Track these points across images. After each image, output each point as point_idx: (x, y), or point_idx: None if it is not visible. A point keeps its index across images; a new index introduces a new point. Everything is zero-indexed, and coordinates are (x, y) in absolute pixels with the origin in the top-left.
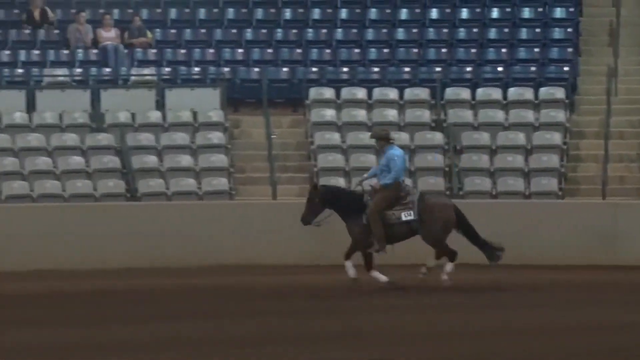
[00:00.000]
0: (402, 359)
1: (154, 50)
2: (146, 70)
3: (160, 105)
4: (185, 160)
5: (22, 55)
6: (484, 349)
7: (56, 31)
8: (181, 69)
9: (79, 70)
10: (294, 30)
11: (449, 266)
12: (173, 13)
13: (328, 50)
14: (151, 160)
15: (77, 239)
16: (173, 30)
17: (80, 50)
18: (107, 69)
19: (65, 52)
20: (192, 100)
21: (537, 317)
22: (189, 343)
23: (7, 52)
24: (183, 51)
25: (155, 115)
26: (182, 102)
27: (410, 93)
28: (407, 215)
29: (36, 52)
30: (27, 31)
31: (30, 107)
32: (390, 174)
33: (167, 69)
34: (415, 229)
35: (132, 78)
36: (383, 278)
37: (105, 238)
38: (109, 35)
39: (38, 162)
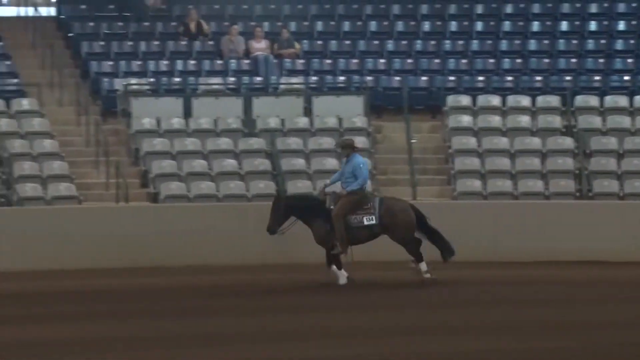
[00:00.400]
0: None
1: (302, 61)
2: (294, 79)
3: (307, 111)
4: (330, 163)
5: (179, 65)
6: None
7: (211, 42)
8: (327, 78)
9: (232, 79)
10: (433, 42)
11: (422, 265)
12: (319, 25)
13: (464, 60)
14: (299, 162)
15: (228, 236)
16: (319, 42)
17: (233, 61)
18: (258, 78)
19: (219, 62)
20: (337, 107)
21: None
22: None
23: (166, 62)
24: (329, 61)
25: (303, 121)
26: (328, 108)
27: (542, 100)
28: (369, 220)
29: (192, 62)
30: (184, 42)
31: (187, 113)
32: (357, 181)
33: (314, 78)
34: (376, 233)
35: (282, 86)
36: (343, 279)
37: (253, 235)
38: (260, 46)
39: (194, 164)
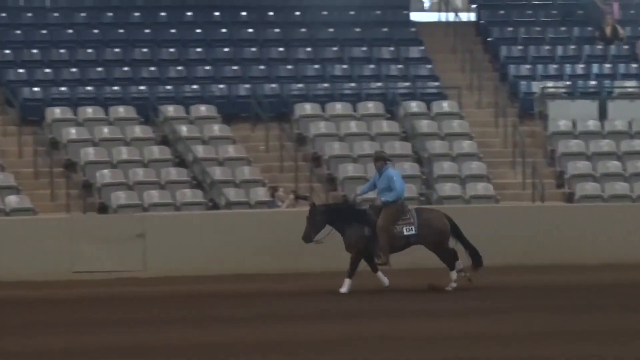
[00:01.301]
0: None
1: None
2: None
3: None
4: None
5: (595, 68)
6: None
7: (626, 47)
8: None
9: None
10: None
11: (452, 274)
12: None
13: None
14: None
15: None
16: None
17: None
18: None
19: (634, 65)
20: None
21: None
22: None
23: (582, 65)
24: None
25: None
26: None
27: None
28: (408, 230)
29: (607, 65)
30: (599, 46)
31: (602, 115)
32: (392, 193)
33: None
34: (412, 242)
35: None
36: (385, 281)
37: None
38: None
39: (609, 165)
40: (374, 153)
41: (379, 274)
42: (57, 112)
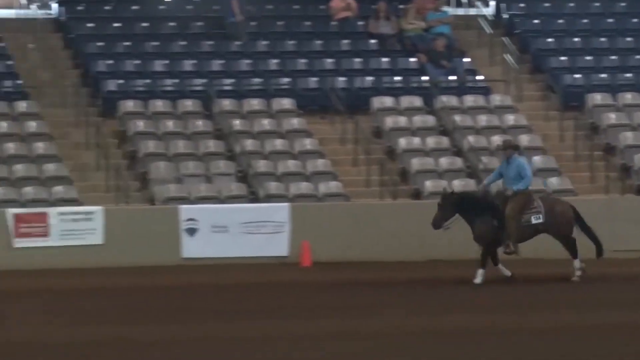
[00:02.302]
0: None
1: None
2: None
3: None
4: None
5: None
6: None
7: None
8: None
9: None
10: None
11: (576, 263)
12: None
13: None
14: None
15: None
16: None
17: None
18: None
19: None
20: None
21: None
22: None
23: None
24: None
25: None
26: None
27: None
28: (536, 219)
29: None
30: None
31: None
32: (523, 181)
33: None
34: (540, 230)
35: None
36: (507, 272)
37: None
38: None
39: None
40: (502, 142)
41: (500, 265)
42: (597, 98)
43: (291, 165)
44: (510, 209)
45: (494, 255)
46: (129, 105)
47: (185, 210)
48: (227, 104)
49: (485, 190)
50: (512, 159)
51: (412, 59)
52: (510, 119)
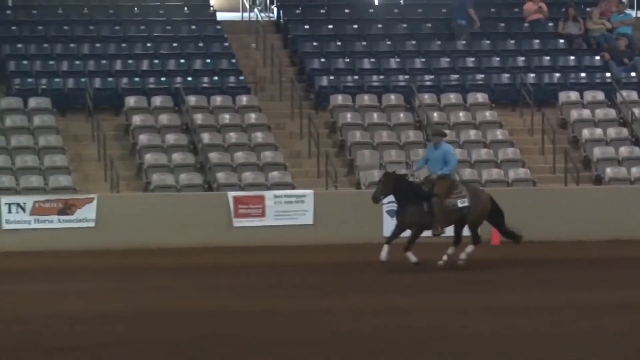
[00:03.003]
0: None
1: None
2: None
3: None
4: None
5: None
6: None
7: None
8: None
9: None
10: None
11: (469, 248)
12: None
13: None
14: None
15: None
16: None
17: None
18: None
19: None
20: None
21: None
22: None
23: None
24: None
25: None
26: None
27: None
28: (462, 203)
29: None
30: None
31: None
32: (447, 166)
33: None
34: (465, 215)
35: None
36: (414, 258)
37: None
38: None
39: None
40: (432, 129)
41: (409, 253)
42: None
43: (483, 153)
44: (435, 192)
45: (458, 236)
46: (339, 99)
47: None
48: (426, 98)
49: (411, 176)
50: (439, 145)
51: (596, 57)
52: None
